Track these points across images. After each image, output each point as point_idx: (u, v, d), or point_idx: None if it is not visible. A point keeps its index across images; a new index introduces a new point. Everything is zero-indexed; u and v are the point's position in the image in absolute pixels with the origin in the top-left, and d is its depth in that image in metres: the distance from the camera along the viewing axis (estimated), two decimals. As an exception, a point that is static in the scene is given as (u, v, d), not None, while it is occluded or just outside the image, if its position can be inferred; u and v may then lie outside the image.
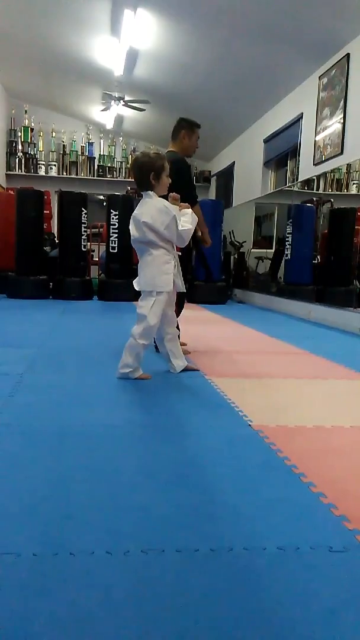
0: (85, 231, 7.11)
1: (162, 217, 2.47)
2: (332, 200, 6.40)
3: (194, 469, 1.54)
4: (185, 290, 2.70)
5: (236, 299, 8.13)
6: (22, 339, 3.73)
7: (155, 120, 9.65)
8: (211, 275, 6.97)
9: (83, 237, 7.07)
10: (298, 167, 6.96)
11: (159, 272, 2.53)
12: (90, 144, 11.27)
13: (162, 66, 7.41)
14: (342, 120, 5.59)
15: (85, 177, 11.18)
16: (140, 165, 2.54)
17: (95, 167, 11.32)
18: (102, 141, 11.36)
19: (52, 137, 11.00)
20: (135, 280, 2.62)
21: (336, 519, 1.26)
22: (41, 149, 11.01)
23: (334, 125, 5.78)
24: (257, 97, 7.63)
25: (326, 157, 5.97)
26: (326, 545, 1.14)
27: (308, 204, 6.89)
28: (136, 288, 2.61)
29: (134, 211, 2.58)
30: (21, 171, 10.83)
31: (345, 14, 5.07)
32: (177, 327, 3.27)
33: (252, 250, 8.47)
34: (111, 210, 7.11)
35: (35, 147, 10.96)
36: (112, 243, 7.12)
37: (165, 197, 2.60)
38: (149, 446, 1.72)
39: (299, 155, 6.92)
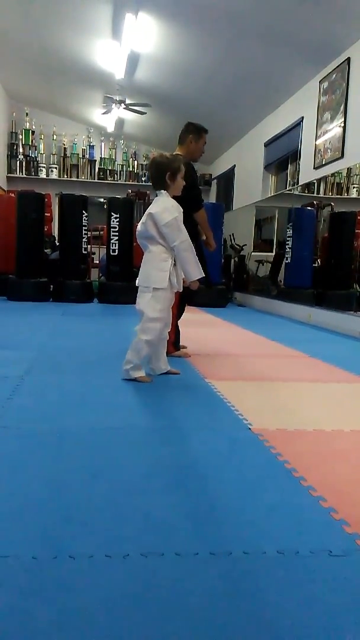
0: (85, 234, 7.11)
1: (165, 214, 2.52)
2: (332, 203, 6.41)
3: (193, 472, 1.53)
4: (181, 290, 2.71)
5: (236, 302, 8.14)
6: (22, 342, 3.73)
7: (156, 123, 9.68)
8: (209, 279, 6.97)
9: (83, 239, 7.07)
10: (298, 171, 6.97)
11: (155, 269, 2.56)
12: (91, 147, 11.29)
13: (163, 70, 7.43)
14: (342, 124, 5.60)
15: (86, 180, 11.20)
16: (158, 164, 2.62)
17: (96, 170, 11.34)
18: (103, 144, 11.38)
19: (53, 139, 11.02)
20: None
21: (336, 522, 1.26)
22: (42, 152, 11.03)
23: (334, 129, 5.79)
24: (257, 100, 7.65)
25: (326, 160, 5.98)
26: (326, 549, 1.13)
27: (308, 208, 6.89)
28: (136, 284, 2.64)
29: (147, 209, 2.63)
30: (22, 174, 10.84)
31: (346, 19, 5.08)
32: (177, 330, 3.29)
33: (253, 253, 8.48)
34: (112, 213, 7.12)
35: (36, 149, 10.97)
36: (112, 246, 7.13)
37: (182, 196, 2.65)
38: (149, 449, 1.72)
39: (299, 159, 6.93)
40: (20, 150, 10.85)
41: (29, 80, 9.15)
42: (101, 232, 8.50)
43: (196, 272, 2.61)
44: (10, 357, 3.09)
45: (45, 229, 7.65)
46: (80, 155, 11.22)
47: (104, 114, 9.20)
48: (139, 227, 2.62)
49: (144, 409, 2.20)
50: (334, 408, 2.36)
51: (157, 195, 2.64)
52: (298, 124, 6.92)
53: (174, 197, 2.63)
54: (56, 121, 10.89)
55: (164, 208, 2.54)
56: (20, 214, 6.81)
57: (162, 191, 2.60)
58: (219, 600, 0.96)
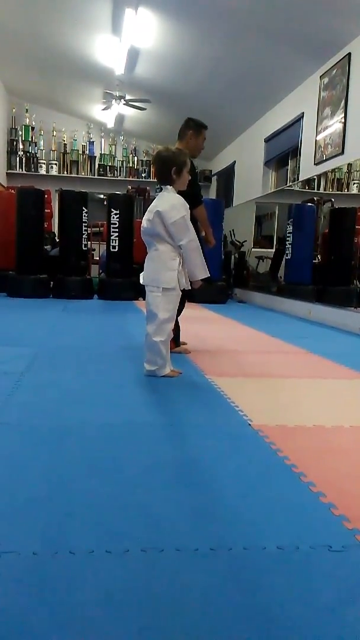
0: (85, 230, 7.11)
1: (173, 212, 2.48)
2: (332, 199, 6.40)
3: (193, 468, 1.54)
4: (189, 288, 2.69)
5: (236, 298, 8.13)
6: (22, 338, 3.73)
7: (156, 119, 9.65)
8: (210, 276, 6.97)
9: (84, 236, 7.06)
10: (299, 167, 6.96)
11: (163, 268, 2.53)
12: (91, 143, 11.27)
13: (163, 65, 7.40)
14: (343, 120, 5.58)
15: (86, 176, 11.18)
16: (163, 158, 2.57)
17: (96, 166, 11.32)
18: (102, 140, 11.36)
19: (53, 136, 10.99)
20: (141, 273, 2.63)
21: (336, 518, 1.26)
22: (42, 148, 11.01)
23: (334, 124, 5.78)
24: (258, 96, 7.63)
25: (327, 156, 5.97)
26: (325, 545, 1.14)
27: (308, 204, 6.88)
28: (141, 282, 2.61)
29: (151, 204, 2.59)
30: (22, 170, 10.82)
31: (347, 14, 5.06)
32: (178, 326, 3.28)
33: (253, 249, 8.47)
34: (112, 209, 7.11)
35: (36, 146, 10.95)
36: (112, 242, 7.12)
37: (183, 193, 2.61)
38: (149, 445, 1.72)
39: (299, 155, 6.91)
40: (20, 146, 10.83)
41: (28, 76, 9.12)
42: (101, 229, 8.50)
43: (202, 273, 2.58)
44: (11, 354, 3.09)
45: (45, 226, 7.64)
46: (80, 152, 11.20)
47: (103, 109, 9.18)
48: (144, 223, 2.57)
49: (144, 405, 2.20)
50: (334, 404, 2.36)
51: (161, 190, 2.59)
52: (298, 119, 6.91)
53: (178, 192, 2.59)
54: (56, 117, 10.87)
55: (172, 206, 2.49)
56: (20, 211, 6.80)
57: (168, 186, 2.56)
58: (219, 596, 0.96)
